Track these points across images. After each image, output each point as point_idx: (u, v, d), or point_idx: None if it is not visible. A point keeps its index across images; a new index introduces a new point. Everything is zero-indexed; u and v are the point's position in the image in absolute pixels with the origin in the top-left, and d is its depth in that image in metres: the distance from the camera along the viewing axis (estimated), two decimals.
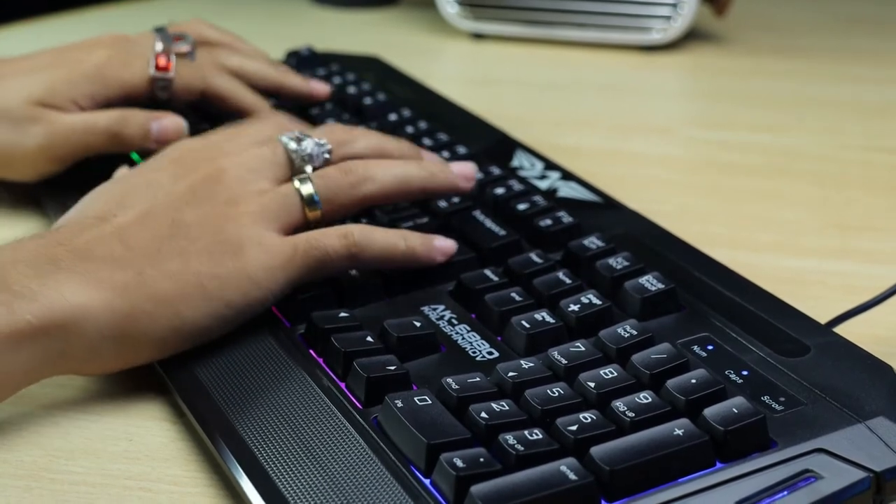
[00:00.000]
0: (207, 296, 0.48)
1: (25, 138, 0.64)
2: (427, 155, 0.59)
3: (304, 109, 0.72)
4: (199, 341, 0.49)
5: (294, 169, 0.53)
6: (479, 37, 1.03)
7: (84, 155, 0.65)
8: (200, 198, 0.51)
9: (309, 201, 0.52)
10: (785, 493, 0.38)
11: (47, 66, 0.66)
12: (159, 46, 0.67)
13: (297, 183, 0.52)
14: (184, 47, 0.69)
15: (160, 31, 0.69)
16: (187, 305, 0.48)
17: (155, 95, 0.67)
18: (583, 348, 0.45)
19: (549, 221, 0.56)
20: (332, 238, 0.51)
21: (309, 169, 0.53)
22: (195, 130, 0.64)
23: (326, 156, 0.54)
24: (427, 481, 0.39)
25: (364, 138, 0.56)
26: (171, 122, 0.65)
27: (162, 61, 0.67)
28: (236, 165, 0.52)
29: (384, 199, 0.54)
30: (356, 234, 0.51)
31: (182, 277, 0.48)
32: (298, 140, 0.54)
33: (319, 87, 0.74)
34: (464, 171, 0.57)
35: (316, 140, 0.54)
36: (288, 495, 0.40)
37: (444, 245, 0.53)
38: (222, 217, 0.50)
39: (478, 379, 0.44)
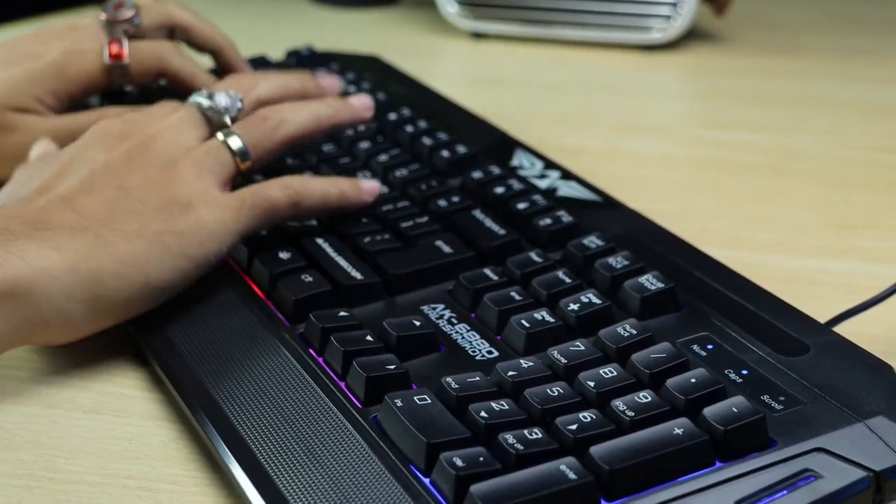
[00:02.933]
0: (170, 252, 0.50)
1: (2, 147, 0.63)
2: (325, 83, 0.63)
3: None
4: (165, 298, 0.51)
5: (213, 124, 0.56)
6: (478, 36, 1.03)
7: None
8: (138, 163, 0.53)
9: (240, 153, 0.55)
10: (784, 492, 0.38)
11: (2, 64, 0.65)
12: (108, 29, 0.67)
13: (221, 136, 0.55)
14: (128, 13, 0.68)
15: (103, 5, 0.68)
16: (152, 263, 0.50)
17: (113, 82, 0.67)
18: (582, 347, 0.45)
19: (548, 221, 0.56)
20: (275, 189, 0.54)
21: (228, 120, 0.56)
22: None
23: (239, 104, 0.57)
24: (427, 480, 0.39)
25: (265, 80, 0.60)
26: None
27: (115, 49, 0.66)
28: (163, 131, 0.55)
29: (302, 137, 0.58)
30: (296, 184, 0.55)
31: (143, 237, 0.50)
32: (210, 96, 0.56)
33: (244, 67, 0.74)
34: (363, 103, 0.62)
35: (226, 91, 0.57)
36: (287, 494, 0.40)
37: (370, 186, 0.57)
38: (164, 179, 0.52)
39: (477, 378, 0.44)
